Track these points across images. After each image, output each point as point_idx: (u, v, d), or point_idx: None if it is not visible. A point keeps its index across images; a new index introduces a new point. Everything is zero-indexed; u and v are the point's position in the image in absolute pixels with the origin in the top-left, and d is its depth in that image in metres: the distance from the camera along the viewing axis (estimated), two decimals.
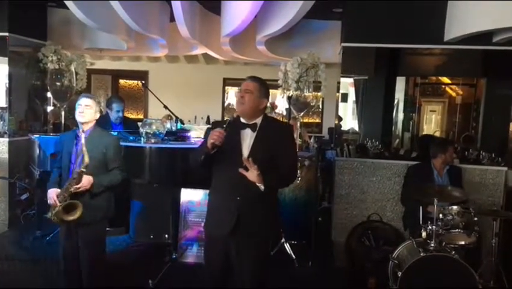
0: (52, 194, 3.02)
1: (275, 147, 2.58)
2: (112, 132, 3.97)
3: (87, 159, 2.93)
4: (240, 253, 2.56)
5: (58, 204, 2.96)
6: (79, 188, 2.95)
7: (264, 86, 2.67)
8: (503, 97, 4.91)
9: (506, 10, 3.75)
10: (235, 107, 2.74)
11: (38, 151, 4.46)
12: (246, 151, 2.56)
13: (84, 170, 2.94)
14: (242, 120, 2.64)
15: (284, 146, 2.64)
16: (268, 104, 3.13)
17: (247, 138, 2.59)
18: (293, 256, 4.07)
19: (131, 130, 4.43)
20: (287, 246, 4.12)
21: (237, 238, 2.55)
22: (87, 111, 3.08)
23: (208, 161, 2.53)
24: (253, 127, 2.60)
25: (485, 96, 5.65)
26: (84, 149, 2.95)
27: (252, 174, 2.42)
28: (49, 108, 5.75)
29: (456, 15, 4.29)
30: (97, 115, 3.16)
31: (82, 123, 3.09)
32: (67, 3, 4.65)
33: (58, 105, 5.02)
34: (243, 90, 2.62)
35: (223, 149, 2.47)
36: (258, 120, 2.64)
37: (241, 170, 2.44)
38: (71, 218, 2.95)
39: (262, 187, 2.44)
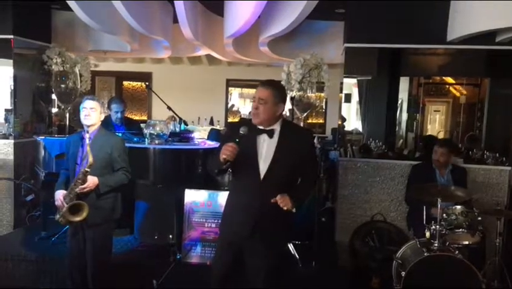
0: (59, 195, 3.06)
1: (298, 155, 2.53)
2: (116, 133, 3.99)
3: (91, 160, 2.95)
4: (256, 255, 2.56)
5: (65, 205, 2.99)
6: (85, 188, 2.98)
7: (279, 90, 2.55)
8: (507, 96, 4.90)
9: (509, 10, 3.74)
10: (250, 115, 2.57)
11: (43, 152, 4.49)
12: (262, 157, 2.52)
13: (88, 170, 2.96)
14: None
15: (307, 154, 2.60)
16: None
17: (264, 143, 2.54)
18: (297, 256, 4.07)
19: (134, 132, 4.45)
20: (291, 246, 4.12)
21: (254, 240, 2.54)
22: (92, 114, 3.10)
23: (224, 171, 2.51)
24: (270, 133, 2.53)
25: (489, 96, 5.63)
26: (88, 149, 2.97)
27: (285, 201, 2.42)
28: (54, 110, 5.79)
29: (459, 15, 4.28)
30: (102, 116, 3.19)
31: (89, 126, 3.11)
32: (71, 5, 4.68)
33: (63, 107, 5.05)
34: (256, 99, 2.49)
35: (240, 155, 2.41)
36: (277, 126, 2.55)
37: (273, 200, 2.43)
38: (77, 218, 2.98)
39: (294, 211, 2.44)
